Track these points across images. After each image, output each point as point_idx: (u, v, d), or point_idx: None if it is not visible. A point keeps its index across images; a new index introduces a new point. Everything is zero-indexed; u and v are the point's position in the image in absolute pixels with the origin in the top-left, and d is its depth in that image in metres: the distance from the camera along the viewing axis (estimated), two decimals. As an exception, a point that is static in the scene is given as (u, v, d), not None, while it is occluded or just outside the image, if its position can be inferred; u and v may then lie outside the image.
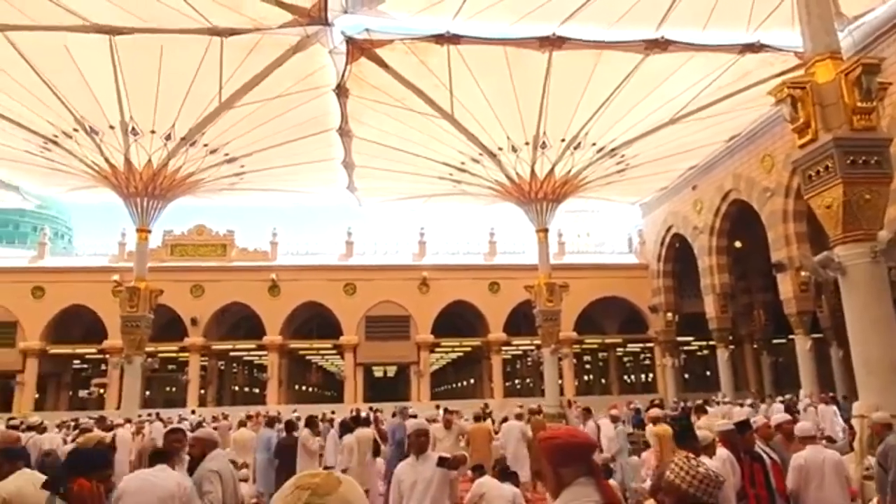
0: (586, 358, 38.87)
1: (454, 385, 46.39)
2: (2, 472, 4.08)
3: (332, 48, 15.24)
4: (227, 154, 19.47)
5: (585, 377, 39.61)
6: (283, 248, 30.82)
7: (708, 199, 24.62)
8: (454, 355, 40.21)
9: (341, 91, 16.75)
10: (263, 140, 18.83)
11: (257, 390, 37.36)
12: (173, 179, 19.48)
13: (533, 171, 20.47)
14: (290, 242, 31.58)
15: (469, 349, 36.10)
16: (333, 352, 34.02)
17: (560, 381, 25.02)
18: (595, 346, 35.57)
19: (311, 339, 32.55)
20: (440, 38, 14.97)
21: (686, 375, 33.63)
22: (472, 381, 41.27)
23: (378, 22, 14.85)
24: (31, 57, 14.89)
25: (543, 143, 19.53)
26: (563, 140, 19.44)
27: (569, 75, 16.33)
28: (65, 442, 10.90)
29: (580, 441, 2.34)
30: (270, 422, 11.75)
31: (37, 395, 29.69)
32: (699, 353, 35.94)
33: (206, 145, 18.86)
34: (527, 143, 19.60)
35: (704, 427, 5.66)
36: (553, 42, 15.18)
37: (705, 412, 11.09)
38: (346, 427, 10.97)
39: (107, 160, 18.67)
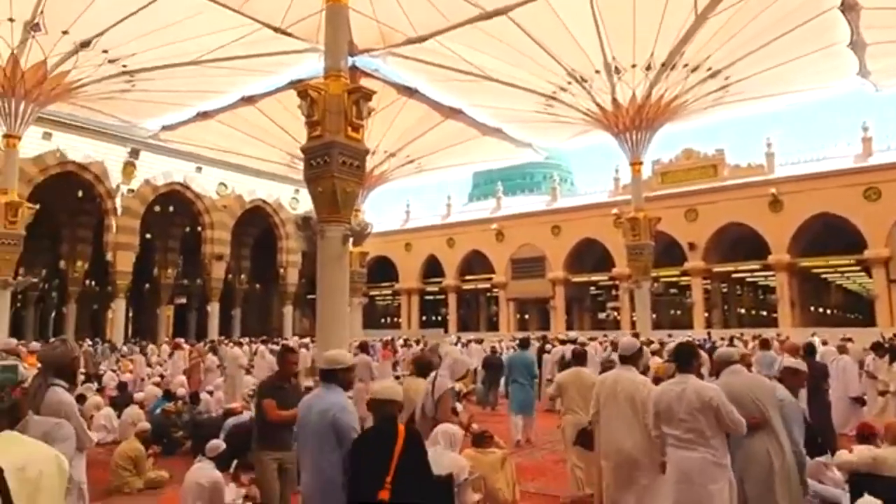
0: None
1: None
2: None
3: None
4: (709, 69, 18.46)
5: None
6: (780, 158, 28.05)
7: None
8: None
9: (841, -43, 13.84)
10: (747, 44, 17.12)
11: (765, 313, 35.58)
12: (658, 108, 19.64)
13: None
14: (788, 151, 28.57)
15: None
16: (856, 268, 29.57)
17: None
18: None
19: (825, 255, 28.90)
20: None
21: None
22: None
23: None
24: (526, 26, 16.95)
25: None
26: None
27: None
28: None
29: None
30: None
31: (566, 317, 35.10)
32: None
33: (685, 65, 18.28)
34: None
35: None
36: None
37: None
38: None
39: (597, 104, 20.05)
